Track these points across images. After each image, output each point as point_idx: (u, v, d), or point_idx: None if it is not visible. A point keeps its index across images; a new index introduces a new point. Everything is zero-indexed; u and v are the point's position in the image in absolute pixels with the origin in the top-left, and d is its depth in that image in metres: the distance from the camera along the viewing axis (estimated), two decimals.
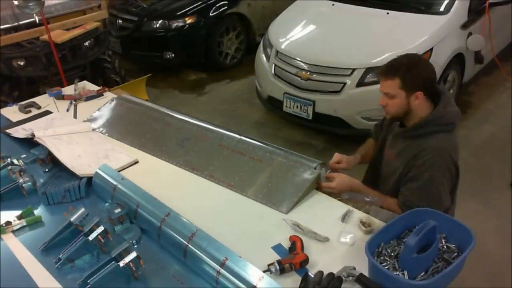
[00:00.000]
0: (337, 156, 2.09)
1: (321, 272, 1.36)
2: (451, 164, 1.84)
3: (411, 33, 3.74)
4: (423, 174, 1.81)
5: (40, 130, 2.33)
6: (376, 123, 2.27)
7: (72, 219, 1.67)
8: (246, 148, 2.13)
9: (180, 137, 2.32)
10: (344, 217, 1.75)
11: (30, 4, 3.22)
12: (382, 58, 3.52)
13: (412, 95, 1.81)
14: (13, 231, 1.77)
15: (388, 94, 1.84)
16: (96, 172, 1.97)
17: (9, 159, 2.06)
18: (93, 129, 2.48)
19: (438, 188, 1.82)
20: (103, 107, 2.68)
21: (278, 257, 1.54)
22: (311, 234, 1.65)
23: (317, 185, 1.93)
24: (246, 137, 2.19)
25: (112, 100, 2.74)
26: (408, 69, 1.79)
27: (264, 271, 1.42)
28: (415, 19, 3.86)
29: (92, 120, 2.59)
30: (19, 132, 2.42)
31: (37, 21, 3.57)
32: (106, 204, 1.87)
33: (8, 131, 2.44)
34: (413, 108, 1.84)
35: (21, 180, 1.95)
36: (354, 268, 1.47)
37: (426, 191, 1.81)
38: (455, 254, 1.48)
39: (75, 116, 2.64)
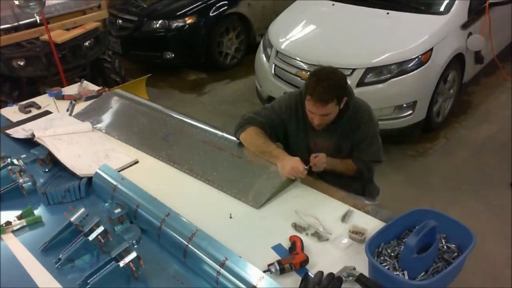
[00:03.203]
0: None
1: (321, 272, 1.36)
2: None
3: (411, 33, 3.73)
4: (367, 134, 2.08)
5: (40, 130, 2.33)
6: (252, 115, 2.13)
7: (72, 219, 1.67)
8: (227, 144, 2.17)
9: (166, 132, 2.35)
10: (344, 217, 1.75)
11: (31, 4, 3.22)
12: (382, 58, 3.52)
13: (342, 103, 1.99)
14: (13, 231, 1.77)
15: (326, 114, 1.97)
16: (96, 172, 1.97)
17: (9, 159, 2.07)
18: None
19: (379, 140, 2.15)
20: (93, 102, 2.72)
21: (278, 257, 1.54)
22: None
23: (292, 182, 1.96)
24: (228, 134, 2.23)
25: (103, 95, 2.77)
26: (339, 87, 1.94)
27: (264, 271, 1.42)
28: (415, 19, 3.86)
29: (81, 114, 2.62)
30: (19, 132, 2.42)
31: (38, 21, 3.57)
32: (106, 204, 1.87)
33: (8, 131, 2.44)
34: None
35: (21, 180, 1.95)
36: (354, 268, 1.47)
37: (375, 145, 2.12)
38: (455, 254, 1.48)
39: (70, 115, 2.66)
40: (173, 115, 2.49)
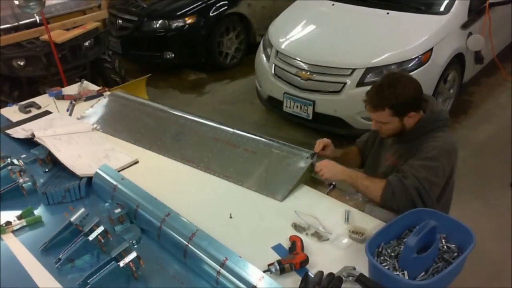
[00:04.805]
0: (322, 141, 2.07)
1: (321, 272, 1.36)
2: (454, 152, 1.82)
3: (411, 33, 3.74)
4: (426, 153, 1.76)
5: (40, 130, 2.33)
6: (366, 137, 2.21)
7: (72, 219, 1.67)
8: (240, 140, 2.17)
9: (175, 131, 2.35)
10: (344, 217, 1.74)
11: (31, 3, 3.22)
12: (382, 58, 3.53)
13: (406, 117, 1.80)
14: (13, 231, 1.77)
15: (381, 121, 1.84)
16: (96, 172, 1.97)
17: (9, 159, 2.06)
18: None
19: (438, 165, 1.75)
20: (96, 104, 2.71)
21: (278, 257, 1.54)
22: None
23: (311, 174, 1.97)
24: (240, 130, 2.23)
25: (105, 97, 2.77)
26: (396, 98, 1.76)
27: (264, 271, 1.42)
28: (415, 19, 3.86)
29: (86, 117, 2.61)
30: (19, 132, 2.42)
31: (38, 21, 3.57)
32: (106, 204, 1.87)
33: (8, 131, 2.43)
34: (408, 126, 1.84)
35: (21, 180, 1.95)
36: (354, 268, 1.47)
37: (426, 165, 1.74)
38: (455, 254, 1.48)
39: (70, 115, 2.66)
40: (180, 114, 2.48)
